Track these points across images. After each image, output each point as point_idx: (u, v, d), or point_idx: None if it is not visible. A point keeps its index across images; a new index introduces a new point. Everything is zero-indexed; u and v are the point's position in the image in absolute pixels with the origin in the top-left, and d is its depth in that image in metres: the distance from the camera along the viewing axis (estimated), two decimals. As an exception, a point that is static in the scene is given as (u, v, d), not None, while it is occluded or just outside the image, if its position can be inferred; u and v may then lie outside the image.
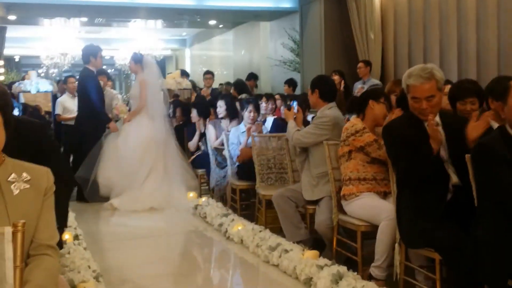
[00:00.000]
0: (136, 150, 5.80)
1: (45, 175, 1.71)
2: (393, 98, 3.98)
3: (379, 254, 3.15)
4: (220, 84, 10.60)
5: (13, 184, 1.63)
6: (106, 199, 5.72)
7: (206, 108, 6.47)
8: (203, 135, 6.13)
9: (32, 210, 1.64)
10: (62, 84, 7.75)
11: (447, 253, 2.59)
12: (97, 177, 5.78)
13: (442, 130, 2.83)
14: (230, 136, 5.19)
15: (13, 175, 1.64)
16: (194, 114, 6.31)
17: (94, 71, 6.24)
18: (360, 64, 7.09)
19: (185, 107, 7.28)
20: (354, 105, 3.76)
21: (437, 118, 2.84)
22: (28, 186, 1.65)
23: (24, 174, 1.66)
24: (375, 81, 6.96)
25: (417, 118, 2.83)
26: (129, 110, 6.28)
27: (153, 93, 6.00)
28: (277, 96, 6.76)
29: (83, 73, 6.34)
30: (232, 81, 10.31)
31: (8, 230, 1.45)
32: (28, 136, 2.44)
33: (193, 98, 8.44)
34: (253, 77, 9.45)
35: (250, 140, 4.82)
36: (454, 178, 2.78)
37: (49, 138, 2.87)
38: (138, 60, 6.03)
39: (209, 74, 8.93)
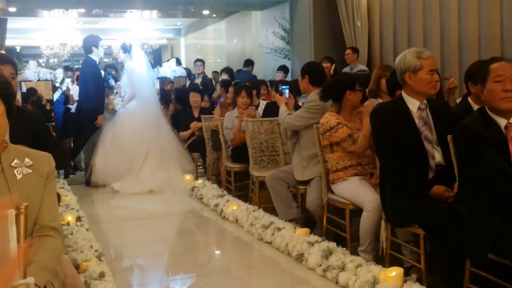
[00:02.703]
0: (132, 135, 5.81)
1: (46, 160, 1.70)
2: (383, 82, 3.94)
3: (363, 240, 3.20)
4: (214, 72, 10.57)
5: (16, 169, 1.62)
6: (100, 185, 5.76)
7: (204, 95, 6.48)
8: (198, 119, 6.11)
9: (35, 194, 1.63)
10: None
11: (430, 228, 2.61)
12: (94, 163, 5.78)
13: (429, 113, 2.83)
14: (225, 121, 5.17)
15: (16, 161, 1.63)
16: (198, 98, 6.28)
17: (96, 61, 6.24)
18: (348, 51, 7.06)
19: (180, 93, 7.23)
20: (329, 94, 3.57)
21: (425, 100, 2.85)
22: (30, 171, 1.64)
23: (27, 160, 1.65)
24: (362, 67, 6.94)
25: (405, 105, 2.81)
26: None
27: (142, 80, 6.03)
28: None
29: (85, 62, 6.38)
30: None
31: (12, 212, 1.44)
32: (27, 124, 2.58)
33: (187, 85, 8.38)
34: (250, 63, 9.39)
35: (243, 124, 4.80)
36: (437, 158, 2.79)
37: (45, 126, 3.04)
38: (126, 50, 6.06)
39: (199, 62, 8.86)
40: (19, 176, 1.61)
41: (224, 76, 7.88)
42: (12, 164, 1.62)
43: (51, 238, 1.64)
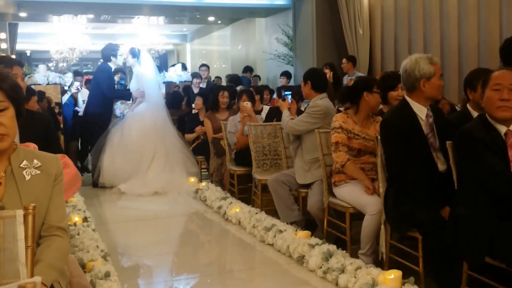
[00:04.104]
0: (139, 138, 5.82)
1: (54, 162, 1.70)
2: None
3: (364, 243, 3.17)
4: (216, 77, 10.61)
5: (25, 170, 1.63)
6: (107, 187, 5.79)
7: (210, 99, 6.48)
8: (203, 123, 6.12)
9: (43, 194, 1.63)
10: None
11: (426, 232, 2.60)
12: (102, 165, 5.80)
13: (433, 121, 2.81)
14: (228, 125, 5.18)
15: (24, 162, 1.64)
16: (199, 102, 6.29)
17: (112, 68, 6.29)
18: (344, 60, 7.03)
19: (188, 97, 7.28)
20: (346, 96, 3.54)
21: (429, 107, 2.82)
22: (39, 172, 1.64)
23: (35, 161, 1.65)
24: (360, 74, 6.94)
25: (412, 111, 2.78)
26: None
27: (150, 84, 6.06)
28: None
29: (100, 67, 6.48)
30: (230, 73, 10.35)
31: (20, 213, 1.45)
32: (36, 127, 2.66)
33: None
34: (248, 69, 9.47)
35: (246, 128, 4.81)
36: (440, 167, 2.76)
37: (53, 129, 3.07)
38: (135, 54, 6.07)
39: (204, 67, 8.89)
40: (27, 177, 1.62)
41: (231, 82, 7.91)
42: (21, 165, 1.63)
43: (58, 238, 1.64)
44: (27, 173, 1.63)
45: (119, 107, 6.27)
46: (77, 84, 8.04)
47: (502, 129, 2.35)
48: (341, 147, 3.35)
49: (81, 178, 2.62)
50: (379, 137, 3.00)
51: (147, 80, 6.04)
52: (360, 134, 3.40)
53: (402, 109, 2.84)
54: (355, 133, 3.39)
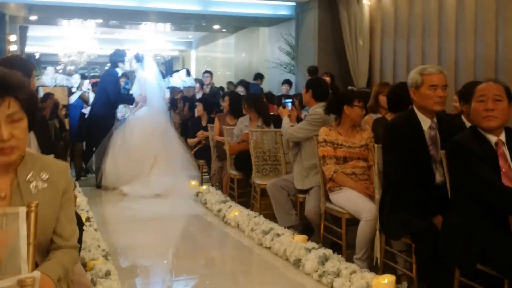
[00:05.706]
0: (141, 141, 5.80)
1: (63, 173, 1.58)
2: (381, 98, 3.91)
3: (359, 248, 3.17)
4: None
5: (32, 184, 1.52)
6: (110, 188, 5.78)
7: (210, 104, 6.50)
8: (205, 128, 6.13)
9: (49, 209, 1.53)
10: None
11: (418, 241, 2.59)
12: (104, 167, 5.79)
13: (438, 132, 2.77)
14: (238, 124, 5.17)
15: (31, 174, 1.53)
16: (200, 108, 6.32)
17: (119, 73, 6.31)
18: (306, 74, 6.98)
19: (191, 102, 7.30)
20: (329, 108, 3.62)
21: (435, 119, 2.78)
22: (46, 185, 1.53)
23: (43, 174, 1.54)
24: None
25: (418, 121, 2.75)
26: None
27: (152, 89, 6.07)
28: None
29: (107, 71, 6.48)
30: (233, 80, 10.36)
31: (23, 209, 1.43)
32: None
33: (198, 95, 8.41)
34: (259, 77, 9.41)
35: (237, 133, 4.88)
36: (438, 179, 2.74)
37: (47, 130, 3.10)
38: (139, 59, 6.07)
39: (207, 73, 8.90)
40: (34, 191, 1.52)
41: (240, 89, 7.87)
42: (27, 179, 1.53)
43: (69, 249, 1.58)
44: (34, 186, 1.52)
45: (120, 110, 6.29)
46: (86, 82, 8.03)
47: (493, 139, 2.36)
48: (328, 160, 3.40)
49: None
50: (375, 145, 3.00)
51: (149, 84, 6.04)
52: (345, 143, 3.45)
53: (408, 116, 2.83)
54: (338, 143, 3.44)
